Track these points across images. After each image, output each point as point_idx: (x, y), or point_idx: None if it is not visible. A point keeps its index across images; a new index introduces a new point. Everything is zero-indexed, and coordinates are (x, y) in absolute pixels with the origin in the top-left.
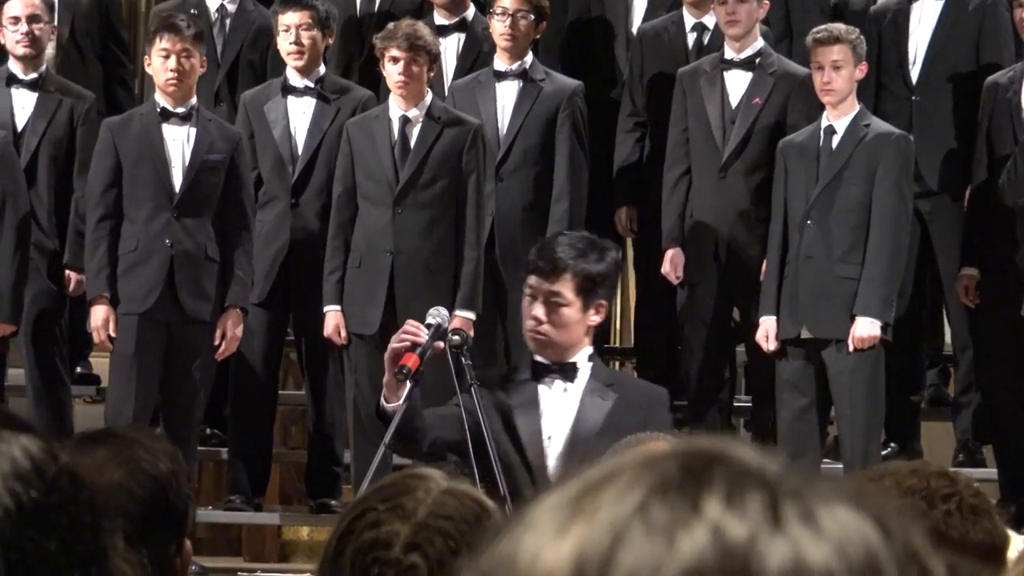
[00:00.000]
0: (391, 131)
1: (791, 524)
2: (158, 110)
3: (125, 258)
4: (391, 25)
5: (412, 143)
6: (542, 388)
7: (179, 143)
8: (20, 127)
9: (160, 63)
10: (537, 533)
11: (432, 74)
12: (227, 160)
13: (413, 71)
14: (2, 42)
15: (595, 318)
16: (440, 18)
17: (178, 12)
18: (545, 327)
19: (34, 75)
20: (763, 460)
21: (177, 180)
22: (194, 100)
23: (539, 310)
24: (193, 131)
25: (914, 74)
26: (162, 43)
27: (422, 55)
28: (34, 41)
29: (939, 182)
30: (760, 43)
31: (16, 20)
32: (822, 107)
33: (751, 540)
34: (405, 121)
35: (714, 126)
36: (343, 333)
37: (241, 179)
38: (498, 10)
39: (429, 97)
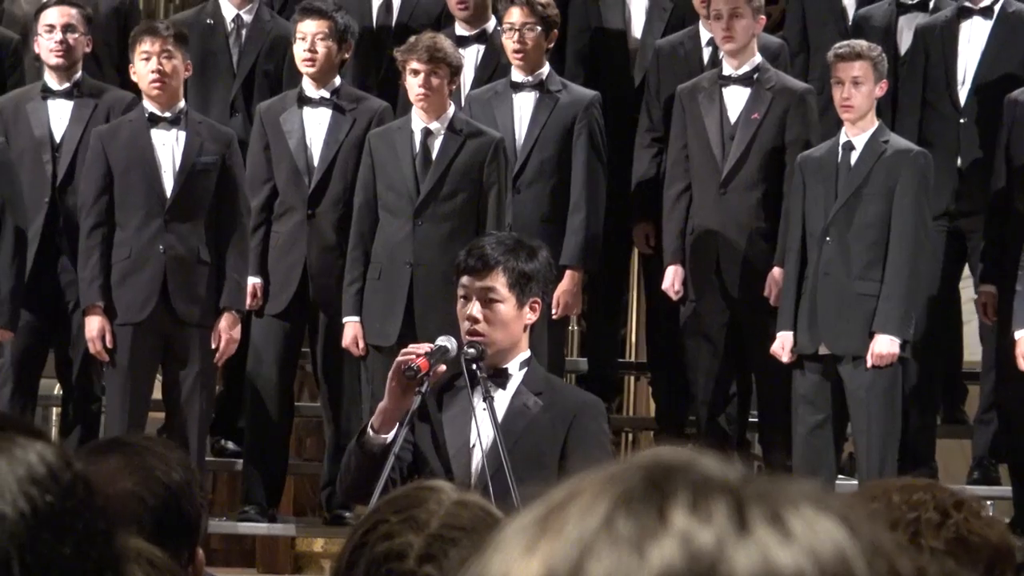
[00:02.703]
0: (413, 143)
1: (758, 528)
2: (146, 115)
3: (118, 266)
4: (413, 38)
5: (434, 155)
6: (475, 396)
7: (168, 148)
8: (58, 138)
9: (142, 67)
10: (506, 554)
11: (454, 87)
12: (218, 161)
13: (433, 83)
14: (37, 51)
15: (531, 316)
16: (461, 30)
17: (194, 22)
18: (482, 326)
19: (67, 84)
20: (725, 467)
21: (168, 185)
22: (182, 104)
23: (475, 309)
24: (182, 135)
25: (962, 95)
26: (142, 47)
27: (442, 67)
28: (68, 51)
29: (984, 203)
30: (758, 59)
31: (51, 28)
32: (832, 122)
33: (719, 546)
34: (427, 133)
35: (713, 142)
36: (361, 344)
37: (234, 179)
38: (506, 26)
39: (451, 109)
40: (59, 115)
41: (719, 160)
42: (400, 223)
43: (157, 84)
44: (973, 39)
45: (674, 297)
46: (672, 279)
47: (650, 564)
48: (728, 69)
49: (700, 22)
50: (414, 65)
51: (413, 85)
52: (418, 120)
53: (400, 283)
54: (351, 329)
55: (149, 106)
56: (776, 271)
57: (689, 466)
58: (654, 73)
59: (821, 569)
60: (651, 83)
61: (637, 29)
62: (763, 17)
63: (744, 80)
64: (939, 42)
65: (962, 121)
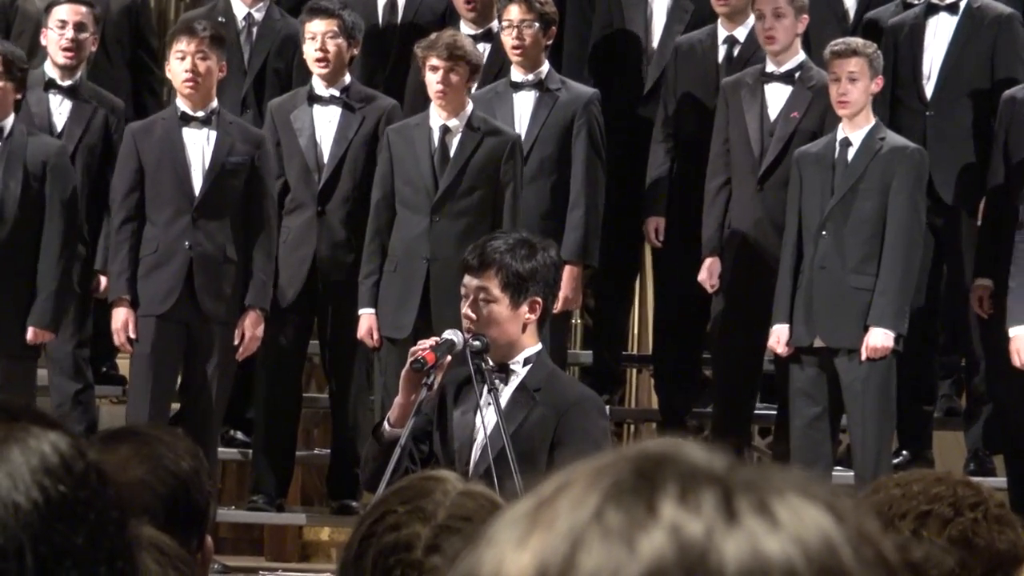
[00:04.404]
0: (431, 140)
1: (746, 517)
2: (178, 114)
3: (146, 260)
4: (433, 35)
5: (452, 152)
6: (481, 389)
7: (199, 147)
8: (57, 132)
9: (177, 65)
10: (497, 547)
11: (472, 85)
12: (248, 162)
13: (452, 80)
14: (43, 43)
15: (530, 315)
16: (467, 29)
17: (206, 19)
18: (475, 325)
19: (70, 82)
20: (713, 457)
21: (197, 183)
22: (215, 104)
23: (468, 308)
24: (213, 134)
25: (928, 89)
26: (178, 46)
27: (461, 65)
28: (78, 49)
29: (953, 197)
30: (801, 57)
31: (63, 24)
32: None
33: (708, 536)
34: (445, 130)
35: (753, 138)
36: (376, 336)
37: (263, 181)
38: (504, 23)
39: (470, 107)
40: (59, 110)
41: (757, 156)
42: (417, 219)
43: (190, 84)
44: (939, 34)
45: (710, 290)
46: (709, 271)
47: (640, 556)
48: (771, 66)
49: (719, 21)
50: (433, 61)
51: (432, 81)
52: (436, 117)
53: (416, 277)
54: (366, 321)
55: (182, 105)
56: None
57: (677, 457)
58: (672, 69)
59: (808, 556)
60: (668, 79)
61: (657, 30)
62: (806, 16)
63: (785, 78)
64: (907, 39)
65: (928, 114)
